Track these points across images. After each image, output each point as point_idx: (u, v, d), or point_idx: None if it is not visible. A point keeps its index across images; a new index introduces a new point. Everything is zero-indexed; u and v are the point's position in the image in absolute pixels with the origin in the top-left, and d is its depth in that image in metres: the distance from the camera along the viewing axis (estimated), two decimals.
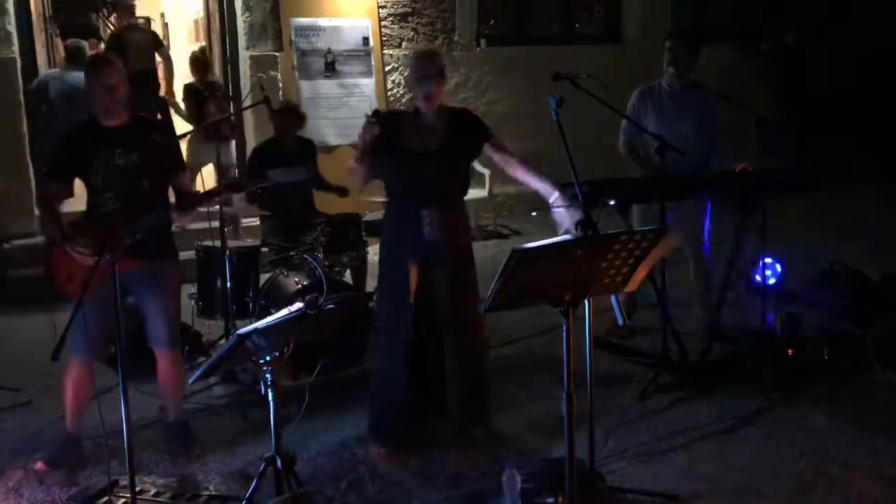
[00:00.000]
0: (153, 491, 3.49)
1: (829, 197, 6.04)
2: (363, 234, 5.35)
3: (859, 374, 4.60)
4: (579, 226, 3.12)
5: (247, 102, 7.33)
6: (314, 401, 4.29)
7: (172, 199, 3.87)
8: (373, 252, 5.10)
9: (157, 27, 12.87)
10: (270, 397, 3.11)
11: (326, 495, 3.49)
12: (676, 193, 4.73)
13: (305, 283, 4.78)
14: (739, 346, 4.91)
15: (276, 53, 8.23)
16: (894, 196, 8.91)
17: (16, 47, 7.33)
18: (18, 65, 7.32)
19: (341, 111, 8.47)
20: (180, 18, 13.33)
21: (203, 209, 4.42)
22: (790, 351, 4.67)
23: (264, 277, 5.21)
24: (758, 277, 5.30)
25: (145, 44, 8.55)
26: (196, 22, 12.40)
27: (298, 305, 3.01)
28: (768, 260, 5.23)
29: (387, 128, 3.75)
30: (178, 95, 8.57)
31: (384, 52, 8.68)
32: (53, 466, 3.73)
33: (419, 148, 3.83)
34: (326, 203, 5.84)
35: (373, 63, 8.62)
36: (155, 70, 8.79)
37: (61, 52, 8.33)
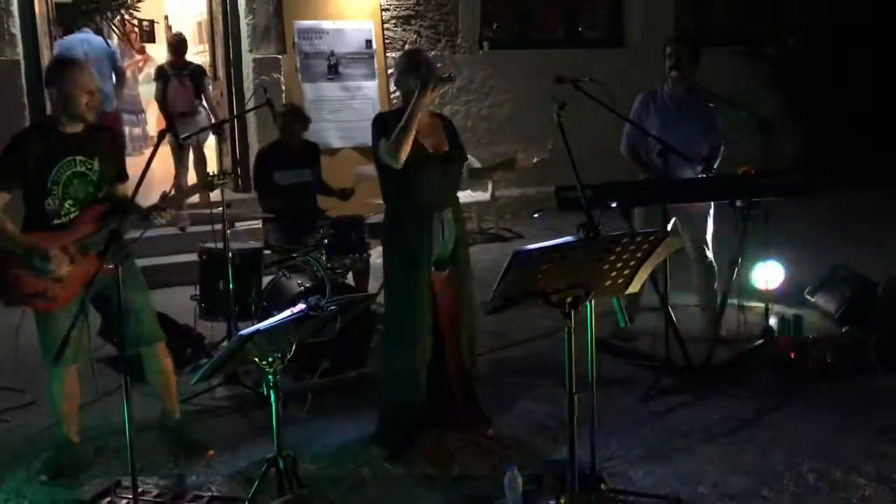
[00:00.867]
0: (155, 492, 3.50)
1: (831, 199, 6.04)
2: (366, 236, 5.35)
3: (862, 376, 4.59)
4: (581, 228, 3.12)
5: (250, 105, 7.36)
6: (316, 402, 4.33)
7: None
8: (375, 255, 5.11)
9: (160, 30, 12.94)
10: (272, 399, 3.12)
11: (328, 497, 3.49)
12: (678, 196, 4.74)
13: (308, 285, 4.78)
14: (742, 348, 4.91)
15: (280, 56, 8.25)
16: None
17: (20, 49, 7.36)
18: (23, 67, 7.35)
19: (344, 114, 8.49)
20: (184, 21, 13.39)
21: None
22: (792, 354, 4.67)
23: (267, 280, 5.22)
24: (760, 280, 5.29)
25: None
26: (199, 24, 12.45)
27: (301, 307, 3.02)
28: (771, 262, 5.23)
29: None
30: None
31: (387, 54, 8.69)
32: (56, 476, 3.70)
33: (431, 147, 3.85)
34: (329, 206, 5.85)
35: (376, 66, 8.64)
36: None
37: None
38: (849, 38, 10.31)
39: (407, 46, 8.78)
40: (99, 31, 8.84)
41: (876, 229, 7.85)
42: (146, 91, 11.14)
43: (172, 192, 3.98)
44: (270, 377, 3.09)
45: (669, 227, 4.78)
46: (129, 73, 11.26)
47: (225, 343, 4.88)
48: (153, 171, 3.34)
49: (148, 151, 3.27)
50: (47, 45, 7.84)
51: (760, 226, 4.74)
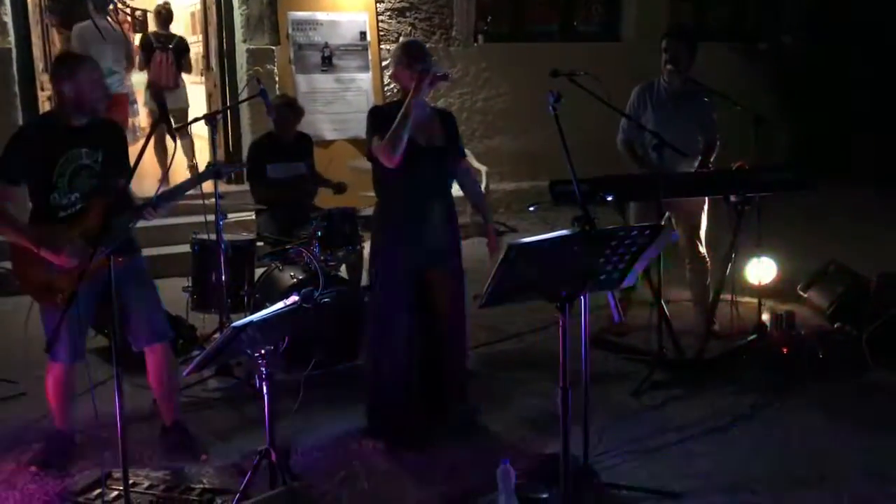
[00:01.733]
0: (146, 484, 3.48)
1: (824, 196, 6.05)
2: (359, 228, 5.33)
3: (854, 372, 4.60)
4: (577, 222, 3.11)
5: (243, 95, 7.33)
6: (309, 395, 4.31)
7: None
8: (368, 247, 5.09)
9: (154, 19, 12.86)
10: (265, 391, 3.11)
11: (320, 489, 3.48)
12: (673, 191, 4.74)
13: (301, 277, 4.77)
14: (734, 343, 4.92)
15: (273, 47, 8.21)
16: (890, 195, 8.94)
17: (12, 38, 7.29)
18: (14, 56, 7.28)
19: (337, 106, 8.46)
20: (178, 11, 13.29)
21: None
22: (785, 349, 4.68)
23: (259, 272, 5.20)
24: (753, 275, 5.30)
25: None
26: (193, 14, 12.37)
27: (294, 299, 3.01)
28: (764, 258, 5.24)
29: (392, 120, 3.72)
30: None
31: (381, 46, 8.67)
32: (46, 467, 3.68)
33: (424, 141, 3.82)
34: (322, 198, 5.83)
35: (370, 58, 8.61)
36: None
37: (57, 45, 8.30)
38: (845, 36, 10.33)
39: (401, 39, 8.75)
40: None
41: (868, 226, 7.88)
42: (138, 81, 11.09)
43: (163, 187, 3.90)
44: (263, 369, 3.08)
45: (663, 221, 4.78)
46: None
47: (217, 335, 4.87)
48: (145, 160, 3.31)
49: (140, 142, 3.26)
50: (39, 34, 7.77)
51: (754, 221, 4.75)
